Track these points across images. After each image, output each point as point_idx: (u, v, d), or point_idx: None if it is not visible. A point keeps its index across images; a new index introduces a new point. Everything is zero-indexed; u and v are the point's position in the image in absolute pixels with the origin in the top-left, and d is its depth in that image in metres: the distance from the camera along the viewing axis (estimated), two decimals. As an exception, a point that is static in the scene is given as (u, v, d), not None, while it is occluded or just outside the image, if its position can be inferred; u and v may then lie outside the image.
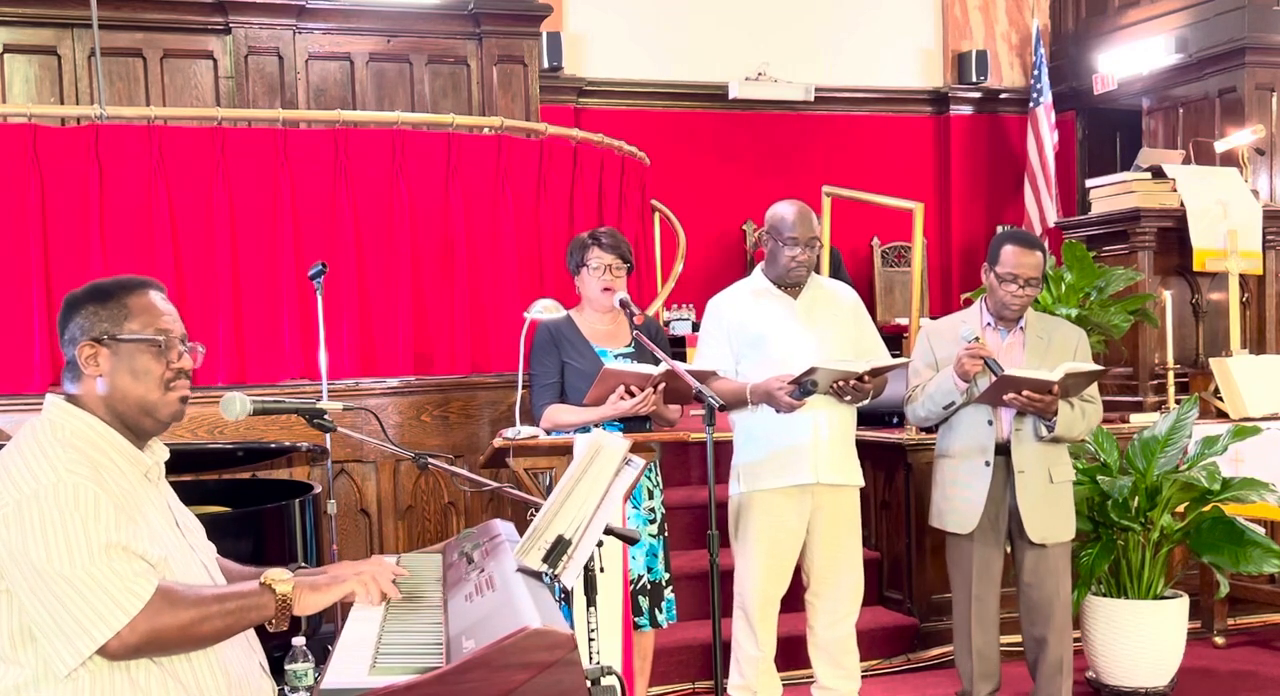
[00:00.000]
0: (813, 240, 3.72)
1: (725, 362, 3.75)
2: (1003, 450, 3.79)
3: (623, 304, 3.64)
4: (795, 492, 3.71)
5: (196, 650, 1.93)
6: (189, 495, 3.39)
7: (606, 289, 3.71)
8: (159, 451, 2.11)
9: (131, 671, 1.87)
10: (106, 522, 1.83)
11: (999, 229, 9.28)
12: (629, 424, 3.61)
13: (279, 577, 1.98)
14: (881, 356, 3.79)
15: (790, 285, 3.80)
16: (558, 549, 1.99)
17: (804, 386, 3.49)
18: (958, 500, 3.85)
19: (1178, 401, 4.91)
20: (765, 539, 3.73)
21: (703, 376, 3.52)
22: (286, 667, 2.96)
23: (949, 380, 3.75)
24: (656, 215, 6.88)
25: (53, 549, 1.79)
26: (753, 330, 3.75)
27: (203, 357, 2.11)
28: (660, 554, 3.73)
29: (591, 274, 3.73)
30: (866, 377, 3.59)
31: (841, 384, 3.58)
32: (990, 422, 3.79)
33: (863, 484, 3.86)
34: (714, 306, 3.88)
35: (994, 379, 3.65)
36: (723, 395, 3.66)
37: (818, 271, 3.98)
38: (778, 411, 3.62)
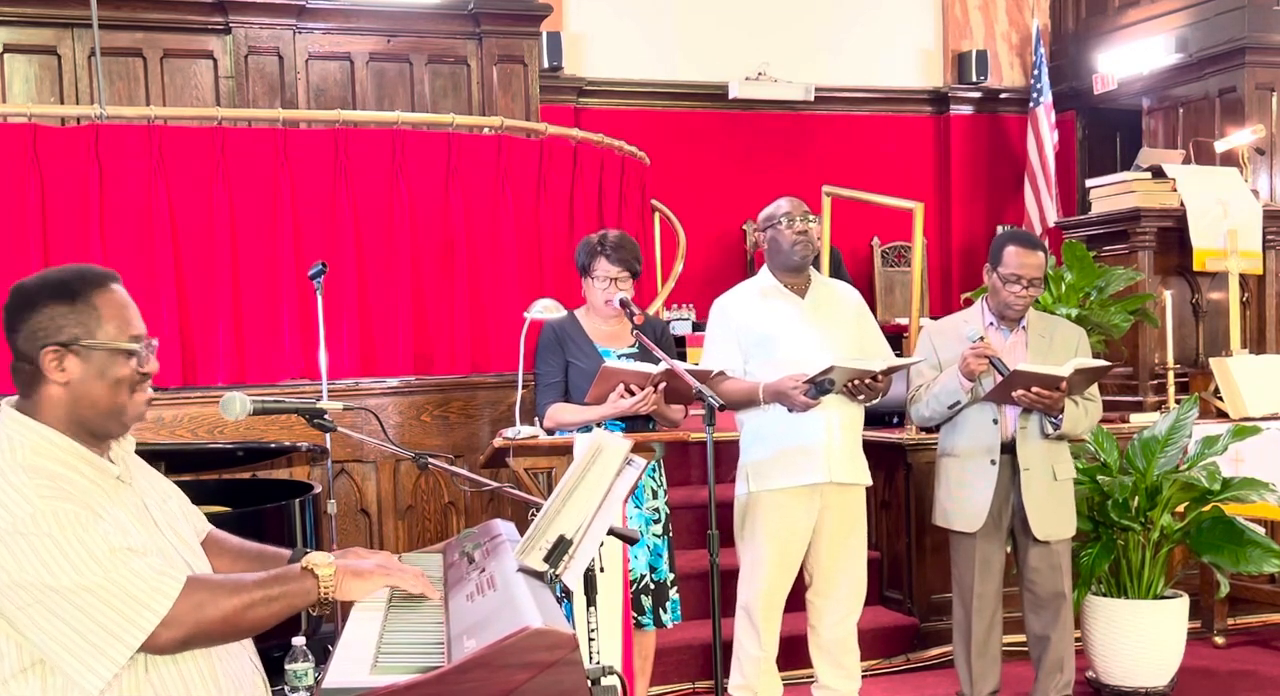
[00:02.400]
0: (806, 213, 3.79)
1: (734, 362, 3.75)
2: (1007, 448, 3.80)
3: (623, 304, 3.64)
4: (805, 492, 3.71)
5: (241, 638, 1.90)
6: (189, 495, 3.39)
7: (609, 301, 3.70)
8: (125, 443, 2.02)
9: (123, 679, 1.83)
10: (99, 531, 1.77)
11: (999, 229, 9.28)
12: (631, 423, 3.61)
13: (321, 561, 1.94)
14: (888, 355, 3.81)
15: (798, 271, 3.80)
16: (559, 549, 1.98)
17: (820, 385, 3.50)
18: (964, 499, 3.86)
19: (1178, 401, 4.91)
20: (775, 539, 3.72)
21: (702, 376, 3.52)
22: (286, 667, 2.96)
23: (954, 380, 3.76)
24: (656, 215, 6.88)
25: (58, 569, 1.73)
26: (761, 330, 3.76)
27: (155, 349, 2.00)
28: (665, 554, 3.73)
29: (597, 284, 3.72)
30: (880, 376, 3.60)
31: (856, 382, 3.58)
32: (995, 421, 3.80)
33: (870, 483, 3.87)
34: (720, 306, 3.88)
35: (998, 377, 3.66)
36: (733, 395, 3.66)
37: (818, 271, 4.00)
38: (791, 410, 3.62)
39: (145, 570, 1.78)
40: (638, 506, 3.66)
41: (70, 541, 1.74)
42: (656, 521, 3.72)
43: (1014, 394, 3.67)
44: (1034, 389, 3.63)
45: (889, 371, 3.63)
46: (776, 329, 3.74)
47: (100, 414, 1.91)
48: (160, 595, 1.77)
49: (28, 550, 1.73)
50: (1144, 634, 4.25)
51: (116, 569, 1.75)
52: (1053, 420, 3.76)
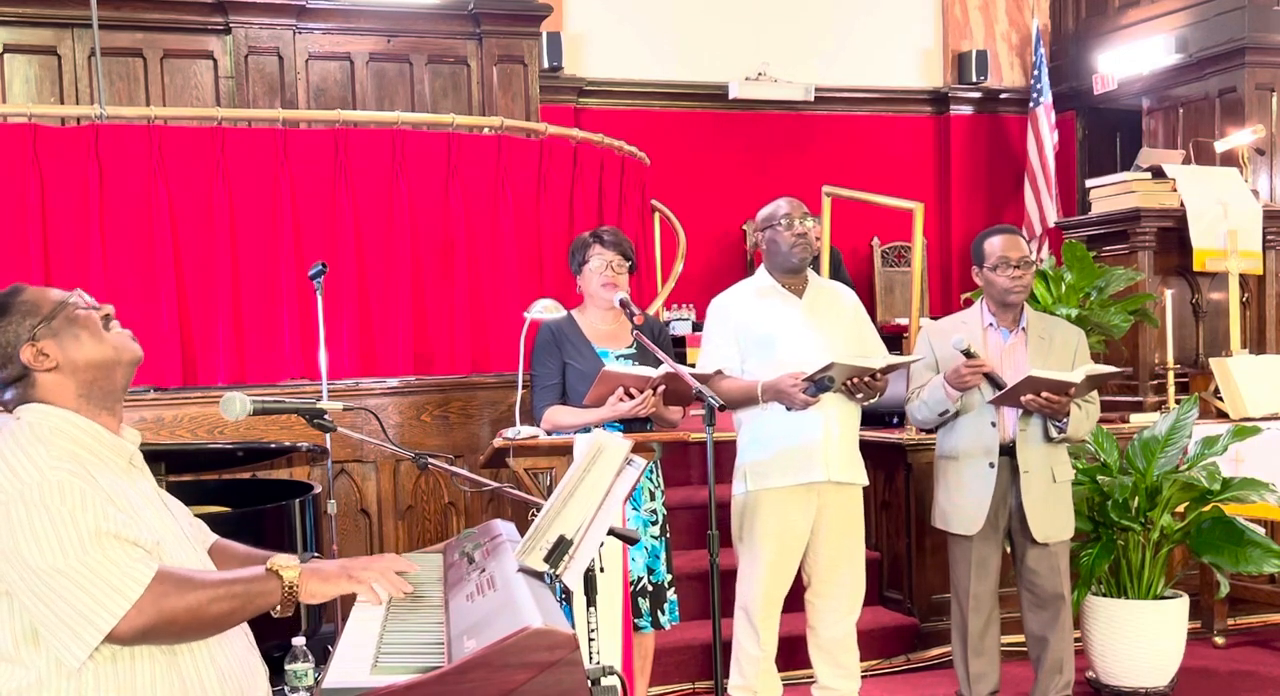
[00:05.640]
0: (805, 215, 3.79)
1: (732, 362, 3.75)
2: (1005, 451, 3.80)
3: (623, 304, 3.64)
4: (802, 491, 3.71)
5: (205, 636, 1.93)
6: (189, 495, 3.39)
7: (608, 284, 3.71)
8: (132, 437, 2.08)
9: (137, 664, 1.87)
10: (95, 512, 1.82)
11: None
12: (629, 424, 3.60)
13: (285, 564, 1.97)
14: (886, 356, 3.81)
15: (795, 273, 3.80)
16: (559, 549, 1.98)
17: (820, 383, 3.50)
18: (962, 501, 3.86)
19: (1178, 401, 4.91)
20: (773, 538, 3.72)
21: (703, 379, 3.52)
22: (286, 667, 2.96)
23: (940, 390, 3.76)
24: (656, 215, 6.88)
25: (44, 545, 1.78)
26: (759, 330, 3.76)
27: (111, 309, 2.08)
28: (662, 555, 3.72)
29: (593, 271, 3.73)
30: (879, 374, 3.60)
31: (855, 381, 3.59)
32: (994, 424, 3.80)
33: (867, 482, 3.87)
34: (719, 305, 3.88)
35: (994, 387, 3.68)
36: (731, 394, 3.66)
37: (817, 271, 4.00)
38: (790, 409, 3.62)
39: (121, 556, 1.81)
40: (635, 508, 3.65)
41: (64, 516, 1.79)
42: (654, 522, 3.72)
43: (1023, 399, 3.67)
44: (1044, 393, 3.64)
45: (888, 369, 3.63)
46: (775, 329, 3.74)
47: (102, 364, 1.98)
48: (132, 581, 1.81)
49: (25, 519, 1.78)
50: (1144, 634, 4.25)
51: (97, 553, 1.79)
52: (1058, 424, 3.76)
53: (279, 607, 1.96)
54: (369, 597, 2.02)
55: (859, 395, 3.66)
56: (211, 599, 1.87)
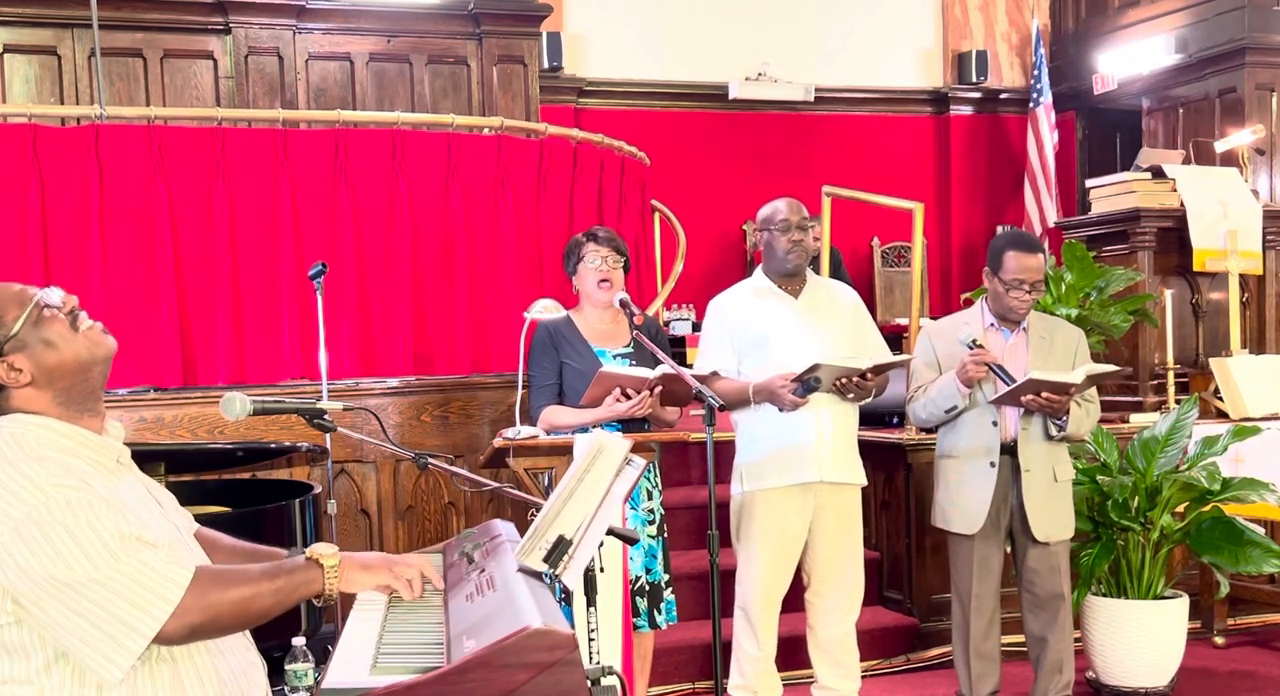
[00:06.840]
0: (804, 221, 3.79)
1: (728, 363, 3.75)
2: (1007, 450, 3.80)
3: (623, 304, 3.64)
4: (798, 491, 3.71)
5: (250, 627, 1.92)
6: (189, 495, 3.39)
7: (604, 279, 3.71)
8: (117, 431, 2.04)
9: (139, 674, 1.83)
10: (112, 520, 1.78)
11: (999, 229, 9.29)
12: (628, 424, 3.60)
13: (325, 551, 1.96)
14: (883, 354, 3.80)
15: (792, 276, 3.80)
16: (559, 549, 1.98)
17: (807, 383, 3.50)
18: (963, 501, 3.86)
19: (1178, 401, 4.91)
20: (769, 538, 3.73)
21: (700, 380, 3.52)
22: (286, 667, 2.96)
23: (951, 385, 3.76)
24: (656, 215, 6.89)
25: (72, 559, 1.73)
26: (755, 330, 3.76)
27: (75, 300, 1.99)
28: (659, 555, 3.72)
29: (588, 268, 3.73)
30: (869, 375, 3.60)
31: (844, 381, 3.59)
32: (995, 423, 3.80)
33: (865, 483, 3.87)
34: (716, 306, 3.88)
35: (999, 383, 3.67)
36: (725, 395, 3.66)
37: (817, 271, 4.01)
38: (781, 409, 3.62)
39: (155, 560, 1.79)
40: (634, 507, 3.66)
41: (83, 529, 1.75)
42: (651, 522, 3.72)
43: (1024, 398, 3.67)
44: (1044, 393, 3.64)
45: (876, 370, 3.63)
46: (770, 329, 3.75)
47: (78, 368, 1.92)
48: (171, 584, 1.78)
49: (41, 539, 1.74)
50: (1144, 634, 4.25)
51: (127, 559, 1.76)
52: (1058, 422, 3.76)
53: (320, 597, 1.94)
54: (404, 592, 2.03)
55: (850, 395, 3.66)
56: (255, 593, 1.86)
